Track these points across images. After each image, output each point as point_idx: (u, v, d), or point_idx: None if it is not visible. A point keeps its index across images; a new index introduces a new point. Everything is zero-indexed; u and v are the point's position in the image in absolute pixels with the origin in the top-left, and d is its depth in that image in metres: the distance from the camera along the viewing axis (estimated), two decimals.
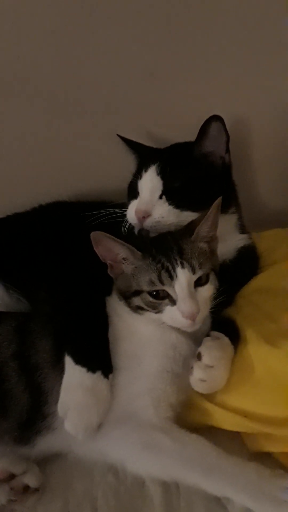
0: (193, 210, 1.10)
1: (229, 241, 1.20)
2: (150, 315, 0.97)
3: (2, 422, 0.95)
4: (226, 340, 0.98)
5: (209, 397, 0.97)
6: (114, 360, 0.97)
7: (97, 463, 0.94)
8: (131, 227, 1.15)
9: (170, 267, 0.94)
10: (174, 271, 0.94)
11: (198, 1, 1.31)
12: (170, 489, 0.88)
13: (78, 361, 0.93)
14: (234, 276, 1.14)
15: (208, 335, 0.99)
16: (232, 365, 0.96)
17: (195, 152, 1.17)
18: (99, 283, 1.05)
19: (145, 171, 1.18)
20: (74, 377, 0.93)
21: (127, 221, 1.15)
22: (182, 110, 1.38)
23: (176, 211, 1.11)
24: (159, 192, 1.13)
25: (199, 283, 0.96)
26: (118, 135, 1.37)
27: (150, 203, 1.12)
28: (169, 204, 1.11)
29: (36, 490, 0.91)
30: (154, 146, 1.34)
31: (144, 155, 1.28)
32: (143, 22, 1.31)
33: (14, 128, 1.39)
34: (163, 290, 0.95)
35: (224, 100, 1.35)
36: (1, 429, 0.95)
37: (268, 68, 1.40)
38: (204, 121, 1.14)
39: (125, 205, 1.18)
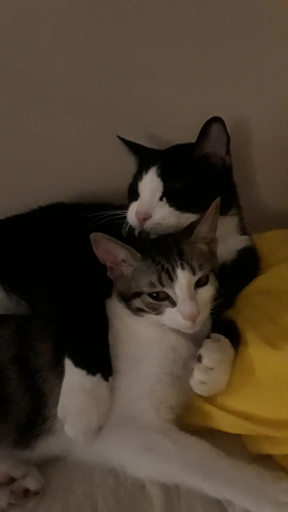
0: (194, 212, 1.09)
1: (229, 242, 1.20)
2: (150, 317, 0.97)
3: (2, 425, 0.94)
4: (226, 342, 0.98)
5: (210, 399, 0.96)
6: (114, 362, 0.97)
7: (97, 466, 0.93)
8: (132, 229, 1.15)
9: (170, 269, 0.94)
10: (174, 272, 0.94)
11: (199, 1, 1.31)
12: (170, 491, 0.88)
13: (78, 363, 0.93)
14: (235, 277, 1.14)
15: (208, 337, 0.99)
16: (232, 367, 0.96)
17: (195, 154, 1.17)
18: (99, 285, 1.05)
19: (146, 172, 1.17)
20: (74, 379, 0.92)
21: (127, 222, 1.15)
22: (183, 111, 1.38)
23: (176, 212, 1.10)
24: (160, 194, 1.13)
25: (199, 284, 0.96)
26: (119, 137, 1.37)
27: (151, 205, 1.12)
28: (170, 205, 1.11)
29: (36, 493, 0.91)
30: (155, 148, 1.34)
31: (145, 157, 1.28)
32: (143, 23, 1.31)
33: (14, 129, 1.39)
34: (163, 292, 0.94)
35: (225, 102, 1.34)
36: (1, 432, 0.94)
37: (269, 70, 1.40)
38: (204, 122, 1.14)
39: (125, 207, 1.18)
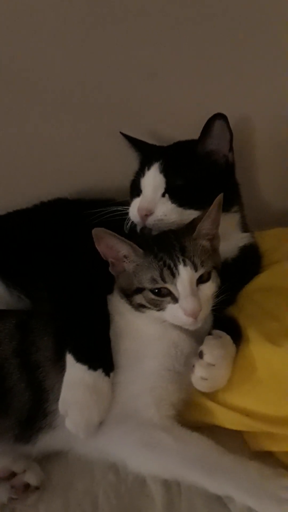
0: (196, 209, 1.09)
1: (231, 239, 1.20)
2: (152, 313, 0.97)
3: (3, 420, 0.94)
4: (228, 338, 0.98)
5: (211, 395, 0.96)
6: (115, 358, 0.97)
7: (98, 462, 0.93)
8: (134, 225, 1.15)
9: (172, 265, 0.94)
10: (176, 268, 0.93)
11: (199, 1, 1.31)
12: (171, 487, 0.88)
13: (79, 359, 0.93)
14: (236, 274, 1.14)
15: (210, 334, 0.98)
16: (234, 364, 0.96)
17: (198, 150, 1.17)
18: (101, 281, 1.05)
19: (148, 169, 1.17)
20: (75, 375, 0.92)
21: (129, 219, 1.15)
22: (185, 108, 1.38)
23: (178, 209, 1.10)
24: (162, 190, 1.12)
25: (201, 280, 0.95)
26: (121, 133, 1.37)
27: (153, 201, 1.11)
28: (172, 202, 1.11)
29: (37, 488, 0.91)
30: (157, 144, 1.33)
31: (147, 153, 1.28)
32: (143, 23, 1.31)
33: (14, 129, 1.38)
34: (165, 288, 0.94)
35: (227, 99, 1.33)
36: (2, 427, 0.94)
37: (272, 67, 1.39)
38: (207, 119, 1.14)
39: (127, 203, 1.18)
